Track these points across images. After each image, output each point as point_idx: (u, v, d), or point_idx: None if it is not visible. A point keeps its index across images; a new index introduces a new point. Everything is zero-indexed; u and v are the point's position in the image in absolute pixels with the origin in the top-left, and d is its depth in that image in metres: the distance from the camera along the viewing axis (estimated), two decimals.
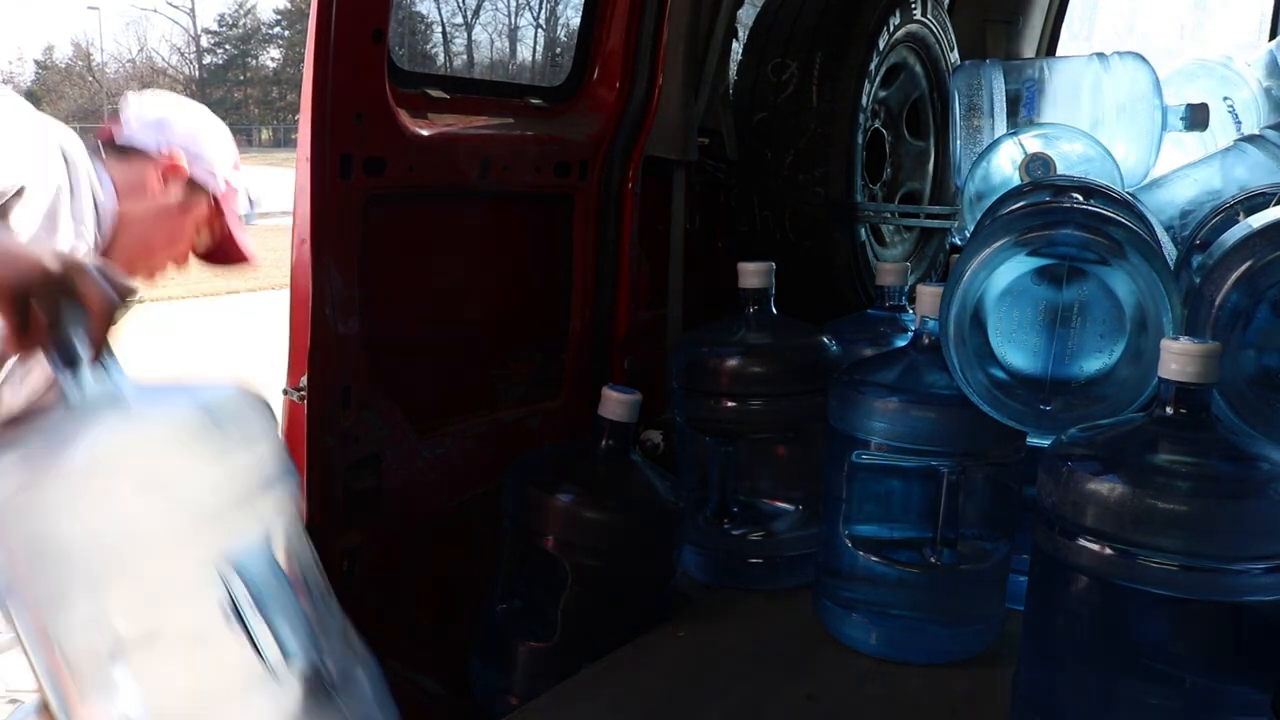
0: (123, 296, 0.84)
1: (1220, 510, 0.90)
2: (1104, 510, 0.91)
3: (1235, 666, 0.94)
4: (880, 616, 1.24)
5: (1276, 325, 1.07)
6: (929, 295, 1.21)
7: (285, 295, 1.31)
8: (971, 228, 2.18)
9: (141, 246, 1.47)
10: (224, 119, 1.63)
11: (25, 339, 0.81)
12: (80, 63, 46.28)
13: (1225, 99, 1.97)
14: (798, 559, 1.42)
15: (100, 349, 0.82)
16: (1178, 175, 1.81)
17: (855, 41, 1.85)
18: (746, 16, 1.98)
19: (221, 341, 7.28)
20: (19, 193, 1.08)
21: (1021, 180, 1.85)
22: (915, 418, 1.18)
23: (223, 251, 1.58)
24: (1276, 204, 1.41)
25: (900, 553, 1.23)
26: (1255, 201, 1.49)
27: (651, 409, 1.47)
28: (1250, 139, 1.73)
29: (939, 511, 1.19)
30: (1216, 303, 1.07)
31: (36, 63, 47.02)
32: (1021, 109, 1.91)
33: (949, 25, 2.15)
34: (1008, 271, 1.11)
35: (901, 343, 1.38)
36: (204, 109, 1.57)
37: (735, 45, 1.91)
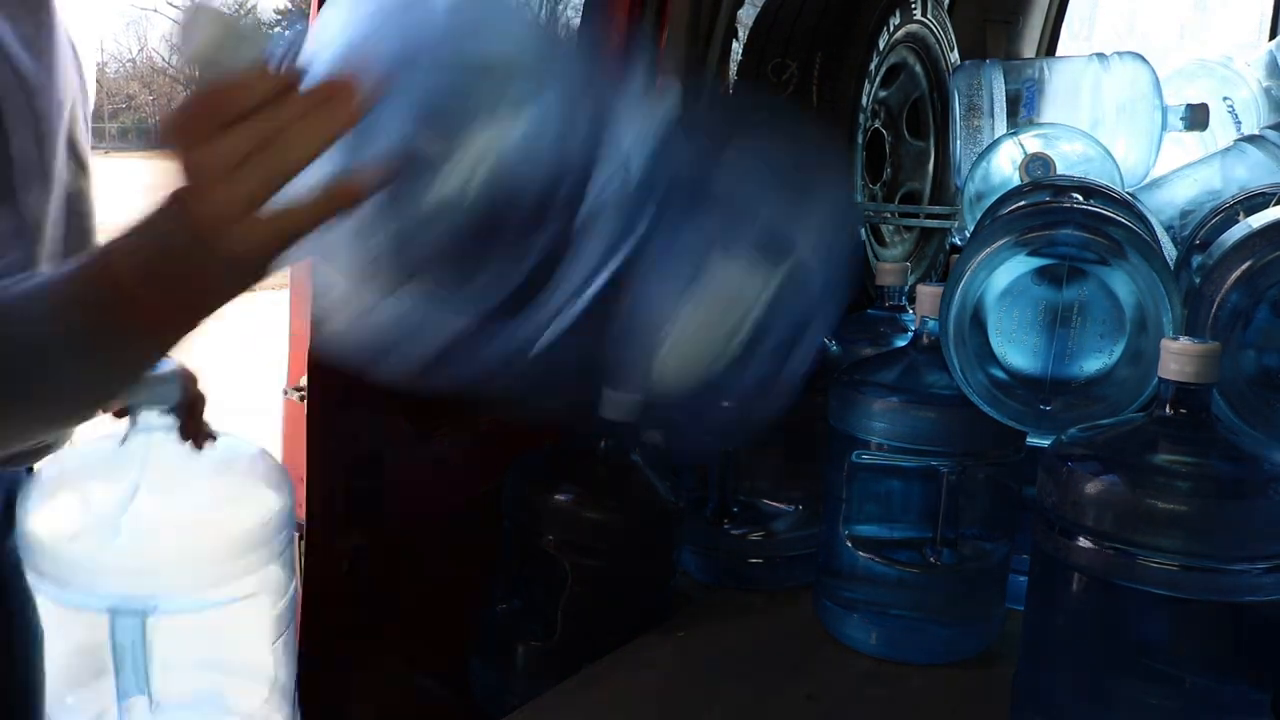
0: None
1: (1220, 510, 0.90)
2: (1104, 510, 0.91)
3: (1236, 666, 0.94)
4: (880, 616, 1.24)
5: (1277, 325, 1.07)
6: (929, 295, 1.21)
7: (285, 295, 1.31)
8: (971, 228, 2.18)
9: None
10: None
11: None
12: None
13: (1225, 99, 1.97)
14: (798, 559, 1.42)
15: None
16: (1178, 175, 1.81)
17: (855, 41, 1.85)
18: (746, 16, 1.98)
19: (221, 342, 7.26)
20: None
21: (1021, 180, 1.85)
22: (915, 418, 1.19)
23: None
24: (1276, 204, 1.41)
25: (900, 553, 1.23)
26: (1255, 201, 1.49)
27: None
28: (1250, 139, 1.73)
29: (939, 511, 1.19)
30: (1216, 302, 1.07)
31: None
32: (1021, 109, 1.91)
33: (949, 25, 2.15)
34: (1008, 271, 1.11)
35: (901, 343, 1.38)
36: None
37: (735, 45, 1.91)
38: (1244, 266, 1.07)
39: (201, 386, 0.99)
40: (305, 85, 0.64)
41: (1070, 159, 2.03)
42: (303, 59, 0.68)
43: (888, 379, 1.22)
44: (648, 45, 1.65)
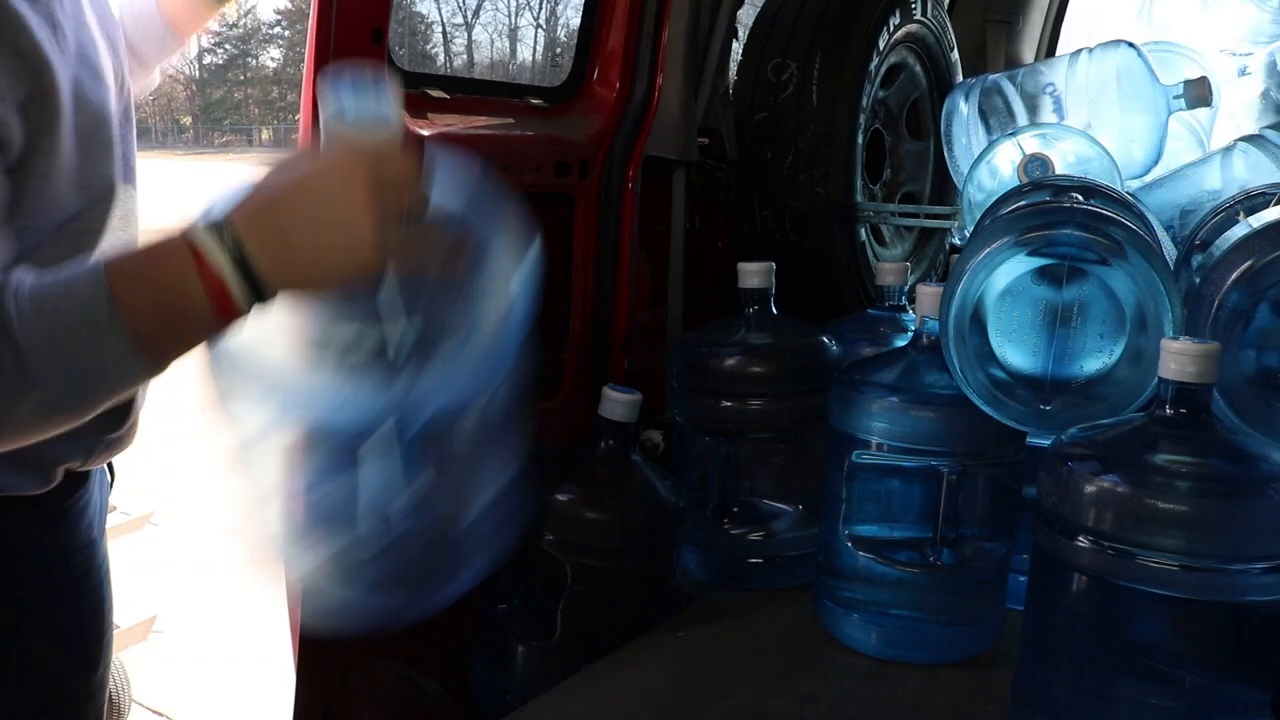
0: None
1: (1220, 510, 0.90)
2: (1104, 510, 0.91)
3: (1235, 666, 0.94)
4: (880, 616, 1.24)
5: (1277, 325, 1.07)
6: (929, 295, 1.21)
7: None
8: (970, 222, 2.18)
9: None
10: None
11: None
12: None
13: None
14: (798, 559, 1.42)
15: None
16: (1178, 175, 1.81)
17: (855, 42, 1.85)
18: (746, 16, 1.99)
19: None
20: None
21: (1020, 180, 1.85)
22: (915, 418, 1.19)
23: None
24: (1276, 204, 1.41)
25: (900, 553, 1.23)
26: (1255, 201, 1.49)
27: (652, 409, 1.47)
28: (1250, 139, 1.73)
29: (939, 511, 1.19)
30: (1216, 302, 1.07)
31: None
32: (1052, 113, 1.91)
33: (949, 25, 2.15)
34: (1007, 271, 1.11)
35: (901, 343, 1.38)
36: None
37: (735, 45, 1.91)
38: (1244, 266, 1.07)
39: None
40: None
41: (1068, 159, 2.03)
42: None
43: (888, 379, 1.22)
44: (648, 45, 1.66)
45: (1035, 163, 1.81)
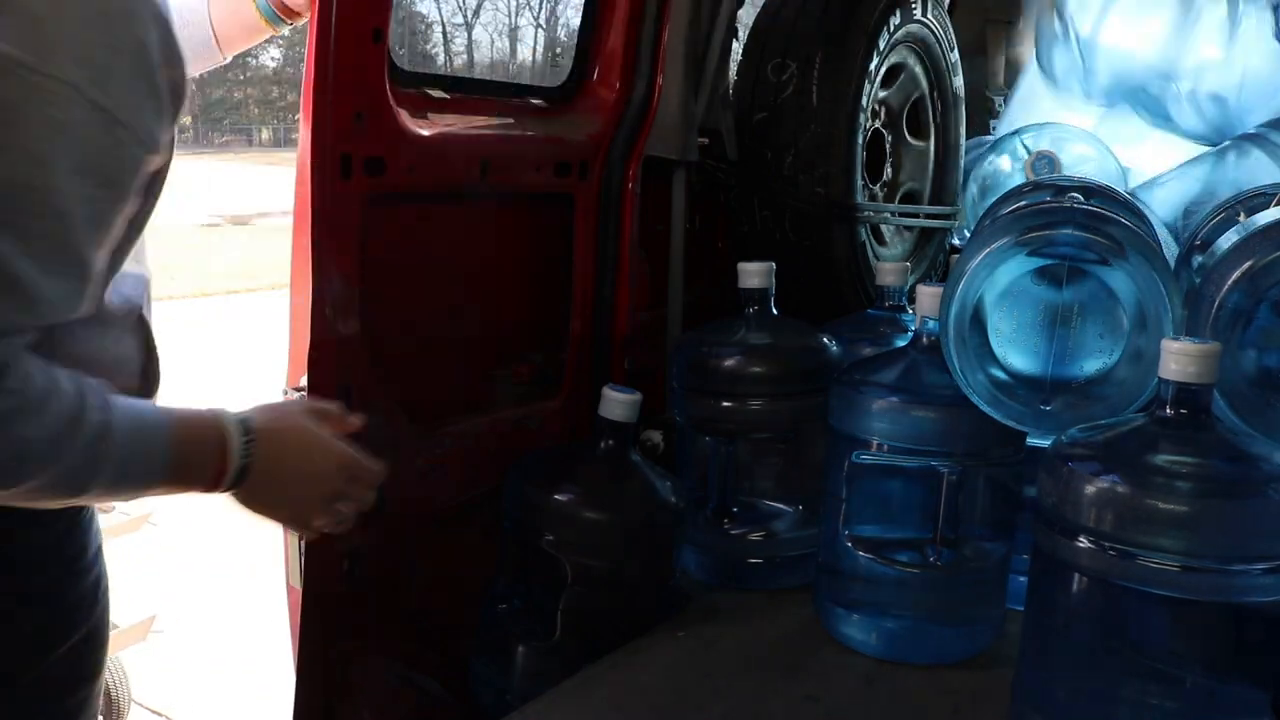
0: None
1: (1220, 511, 0.90)
2: (1104, 510, 0.91)
3: (1236, 666, 0.94)
4: (880, 617, 1.24)
5: (1277, 325, 1.07)
6: (929, 295, 1.21)
7: (284, 295, 1.31)
8: (971, 221, 2.18)
9: None
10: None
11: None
12: None
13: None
14: (798, 559, 1.42)
15: None
16: (1178, 174, 1.81)
17: (855, 41, 1.85)
18: (747, 16, 1.98)
19: (221, 342, 7.28)
20: None
21: (1027, 177, 1.85)
22: (915, 418, 1.18)
23: None
24: (1277, 204, 1.42)
25: (900, 553, 1.23)
26: (1255, 201, 1.49)
27: (651, 409, 1.47)
28: (1251, 138, 1.73)
29: (939, 512, 1.19)
30: (1217, 302, 1.07)
31: None
32: None
33: (949, 25, 2.15)
34: (1008, 272, 1.11)
35: (901, 343, 1.38)
36: None
37: (735, 45, 1.91)
38: (1244, 266, 1.07)
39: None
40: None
41: (1070, 158, 2.04)
42: None
43: (888, 379, 1.22)
44: (648, 45, 1.65)
45: (1043, 160, 1.81)
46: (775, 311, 1.47)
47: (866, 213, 1.95)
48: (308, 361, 1.25)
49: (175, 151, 0.90)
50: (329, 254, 1.24)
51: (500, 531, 1.37)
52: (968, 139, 2.26)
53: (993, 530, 1.23)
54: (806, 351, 1.45)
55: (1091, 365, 1.11)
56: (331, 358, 1.27)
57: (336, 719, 1.35)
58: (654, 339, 1.77)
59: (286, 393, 1.33)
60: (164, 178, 0.91)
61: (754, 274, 1.44)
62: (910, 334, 1.30)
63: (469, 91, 1.57)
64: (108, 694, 2.61)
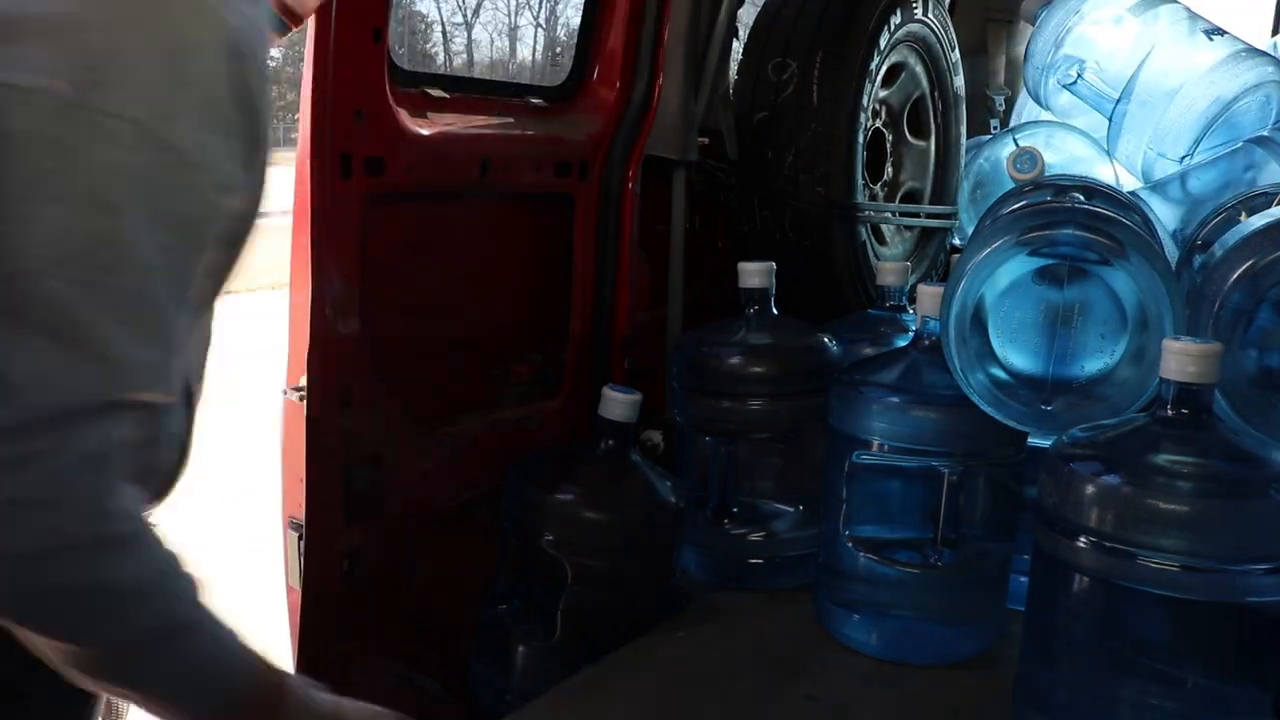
0: None
1: (1221, 511, 0.89)
2: (1105, 510, 0.91)
3: (1237, 667, 0.94)
4: (881, 617, 1.23)
5: (1278, 325, 1.07)
6: (929, 295, 1.21)
7: (284, 295, 1.31)
8: (968, 221, 2.18)
9: None
10: None
11: None
12: None
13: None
14: (798, 559, 1.42)
15: None
16: (1181, 175, 1.81)
17: (856, 41, 1.85)
18: (747, 16, 1.98)
19: (221, 342, 7.26)
20: None
21: (1009, 174, 1.86)
22: (916, 418, 1.18)
23: None
24: (1277, 204, 1.41)
25: (901, 553, 1.22)
26: (1256, 201, 1.49)
27: (652, 409, 1.47)
28: (1257, 140, 1.73)
29: (940, 512, 1.18)
30: (1218, 302, 1.07)
31: None
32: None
33: (950, 24, 2.14)
34: (1009, 271, 1.11)
35: (902, 343, 1.38)
36: None
37: (735, 45, 1.90)
38: (1245, 266, 1.07)
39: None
40: None
41: (1063, 157, 2.03)
42: None
43: (888, 379, 1.22)
44: (648, 45, 1.65)
45: (1025, 157, 1.81)
46: (775, 311, 1.46)
47: (867, 212, 1.95)
48: (307, 361, 1.25)
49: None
50: (328, 254, 1.24)
51: (500, 531, 1.37)
52: (968, 138, 2.26)
53: (993, 530, 1.23)
54: (807, 351, 1.45)
55: (1092, 365, 1.11)
56: (331, 357, 1.26)
57: None
58: (654, 339, 1.77)
59: (286, 393, 1.33)
60: (250, 226, 0.80)
61: (754, 274, 1.44)
62: (911, 334, 1.30)
63: (469, 91, 1.57)
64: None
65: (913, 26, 2.00)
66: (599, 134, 1.64)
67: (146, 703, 0.77)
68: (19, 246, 0.62)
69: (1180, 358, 0.92)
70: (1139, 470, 0.92)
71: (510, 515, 1.35)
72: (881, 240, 2.08)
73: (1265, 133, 1.74)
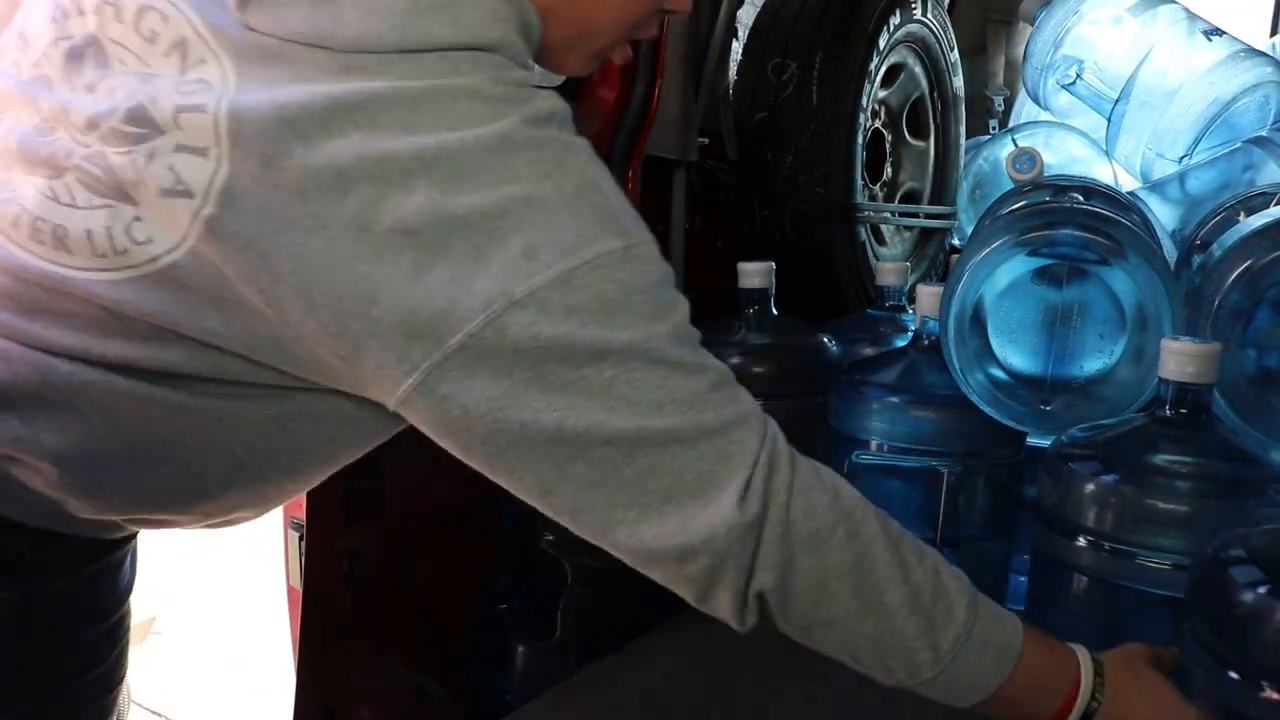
0: None
1: (1220, 510, 0.90)
2: (1104, 511, 0.91)
3: None
4: None
5: (1277, 325, 1.07)
6: (929, 295, 1.21)
7: None
8: (967, 221, 2.19)
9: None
10: None
11: None
12: None
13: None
14: None
15: None
16: (1180, 176, 1.82)
17: (855, 41, 1.85)
18: (746, 16, 1.98)
19: None
20: None
21: (1008, 174, 1.86)
22: (915, 418, 1.18)
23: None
24: (1277, 204, 1.41)
25: None
26: (1254, 201, 1.49)
27: None
28: (1256, 140, 1.73)
29: (939, 512, 1.19)
30: (1217, 302, 1.07)
31: None
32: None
33: (949, 25, 2.15)
34: (1008, 271, 1.11)
35: (901, 343, 1.38)
36: None
37: (735, 45, 1.90)
38: (1244, 266, 1.07)
39: None
40: None
41: (1062, 158, 2.03)
42: None
43: (888, 379, 1.22)
44: (648, 45, 1.65)
45: (1024, 157, 1.81)
46: (775, 311, 1.46)
47: (866, 213, 1.95)
48: None
49: None
50: None
51: (500, 531, 1.37)
52: (967, 139, 2.26)
53: (993, 530, 1.23)
54: (806, 351, 1.45)
55: (1091, 365, 1.11)
56: None
57: (336, 719, 1.35)
58: None
59: None
60: None
61: (754, 274, 1.44)
62: (910, 334, 1.30)
63: None
64: None
65: (912, 27, 2.00)
66: (598, 134, 1.64)
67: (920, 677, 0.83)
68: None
69: (1179, 358, 0.92)
70: (1138, 470, 0.92)
71: (510, 515, 1.35)
72: (881, 240, 2.08)
73: (1264, 133, 1.74)
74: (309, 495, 1.27)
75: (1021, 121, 2.34)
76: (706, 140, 1.87)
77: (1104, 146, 1.99)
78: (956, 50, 2.18)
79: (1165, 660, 0.84)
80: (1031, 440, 1.19)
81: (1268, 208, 1.39)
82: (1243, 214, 1.45)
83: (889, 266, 1.62)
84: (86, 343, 0.74)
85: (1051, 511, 0.96)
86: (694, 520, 0.73)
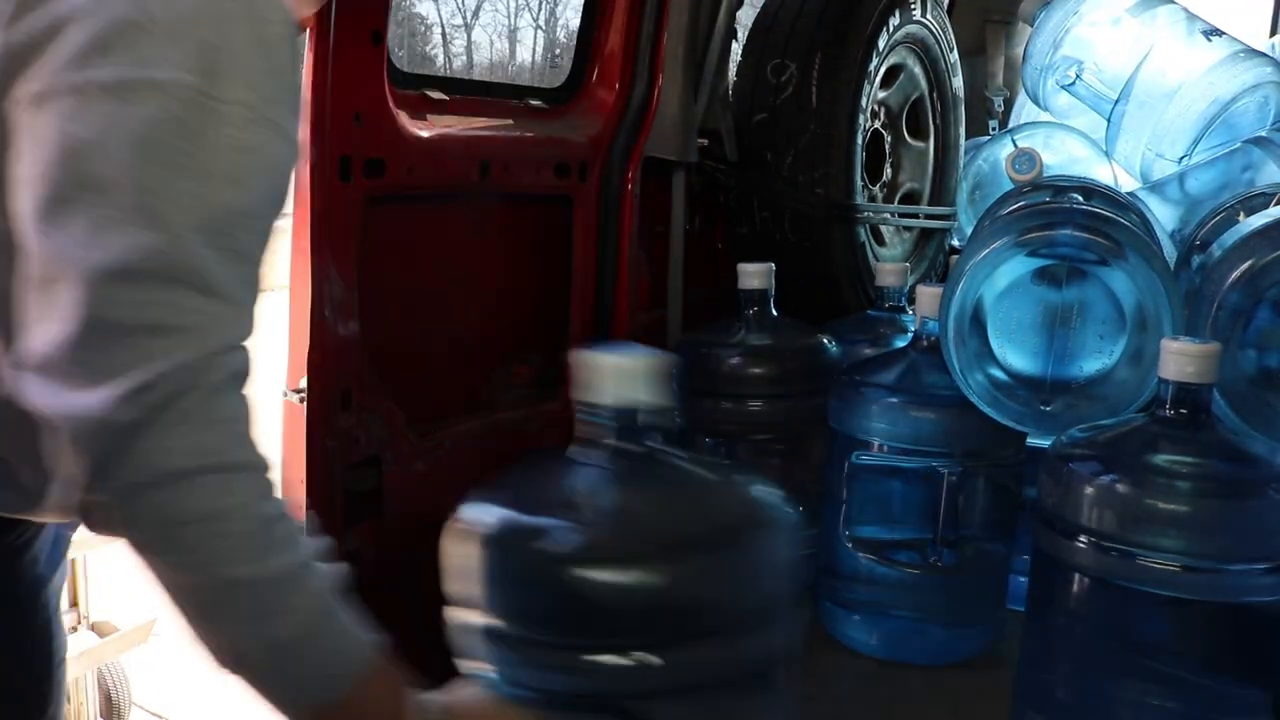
0: None
1: (1220, 510, 0.90)
2: (1104, 510, 0.91)
3: (1236, 666, 0.94)
4: (880, 617, 1.24)
5: (1276, 325, 1.07)
6: (929, 296, 1.21)
7: (284, 297, 1.31)
8: (967, 222, 2.19)
9: None
10: None
11: None
12: None
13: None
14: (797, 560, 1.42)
15: None
16: (1180, 176, 1.82)
17: (855, 42, 1.85)
18: (746, 17, 1.98)
19: None
20: None
21: (1008, 174, 1.86)
22: (915, 418, 1.18)
23: None
24: (1276, 204, 1.42)
25: (901, 554, 1.22)
26: (1255, 201, 1.49)
27: None
28: (1255, 140, 1.73)
29: (939, 512, 1.19)
30: (1216, 302, 1.07)
31: None
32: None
33: (948, 25, 2.15)
34: (1007, 272, 1.11)
35: (901, 344, 1.38)
36: None
37: (735, 46, 1.91)
38: (1244, 266, 1.07)
39: None
40: None
41: (1061, 158, 2.04)
42: None
43: (888, 380, 1.22)
44: (647, 46, 1.65)
45: (1023, 158, 1.81)
46: (775, 312, 1.47)
47: (866, 213, 1.95)
48: (307, 364, 1.25)
49: None
50: (328, 256, 1.24)
51: None
52: (967, 139, 2.27)
53: (993, 531, 1.23)
54: (806, 352, 1.45)
55: (1091, 365, 1.11)
56: (331, 360, 1.26)
57: None
58: (654, 340, 1.77)
59: (286, 395, 1.33)
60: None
61: (754, 275, 1.44)
62: (910, 335, 1.30)
63: (468, 93, 1.57)
64: (108, 696, 2.61)
65: (911, 28, 2.00)
66: (598, 135, 1.64)
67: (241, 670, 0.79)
68: (166, 214, 0.71)
69: (1179, 358, 0.92)
70: (1138, 470, 0.92)
71: None
72: (880, 241, 2.08)
73: (1263, 133, 1.75)
74: (308, 497, 1.27)
75: (1021, 122, 2.34)
76: (706, 141, 1.87)
77: (1103, 147, 1.99)
78: (956, 51, 2.18)
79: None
80: (1031, 440, 1.19)
81: (1267, 208, 1.39)
82: (1242, 214, 1.45)
83: (889, 267, 1.62)
84: None
85: (1051, 512, 0.96)
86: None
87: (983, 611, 1.24)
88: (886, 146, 2.12)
